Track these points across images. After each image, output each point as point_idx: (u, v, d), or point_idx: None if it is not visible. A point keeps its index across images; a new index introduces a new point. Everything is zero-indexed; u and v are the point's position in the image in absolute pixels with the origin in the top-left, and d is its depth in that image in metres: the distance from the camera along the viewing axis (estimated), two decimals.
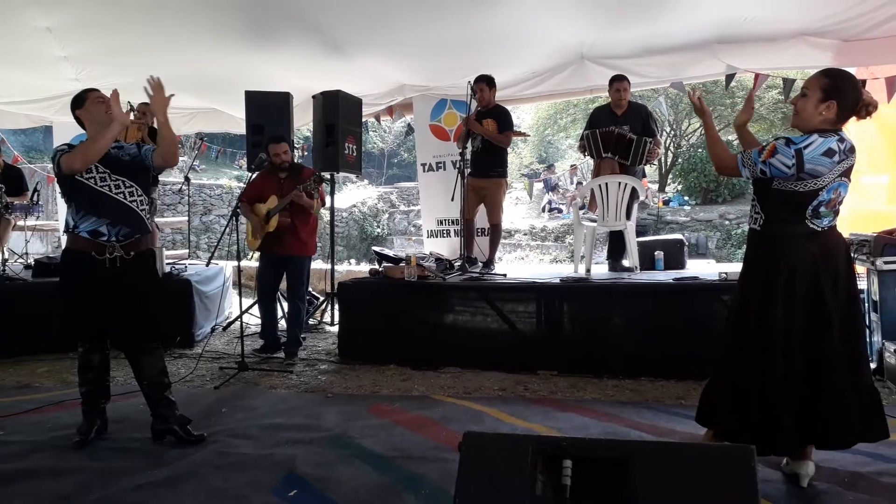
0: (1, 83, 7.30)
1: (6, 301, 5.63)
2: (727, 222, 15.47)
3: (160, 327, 3.70)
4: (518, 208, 19.52)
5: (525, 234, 16.78)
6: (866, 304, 4.94)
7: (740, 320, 2.84)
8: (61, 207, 8.88)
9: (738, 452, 1.93)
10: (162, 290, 3.86)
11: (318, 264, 11.10)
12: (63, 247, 3.62)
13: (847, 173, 2.66)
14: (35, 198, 7.11)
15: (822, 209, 2.65)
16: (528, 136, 19.75)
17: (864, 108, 2.66)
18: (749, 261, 2.89)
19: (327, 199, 6.24)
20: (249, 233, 5.44)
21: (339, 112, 6.46)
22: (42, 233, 10.56)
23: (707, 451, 2.05)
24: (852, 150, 2.64)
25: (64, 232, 3.55)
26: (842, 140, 2.61)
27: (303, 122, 7.88)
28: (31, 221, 7.37)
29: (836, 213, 2.71)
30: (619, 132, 5.68)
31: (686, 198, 17.92)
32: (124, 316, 3.44)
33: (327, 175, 6.99)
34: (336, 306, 6.43)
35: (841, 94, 2.61)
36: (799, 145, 2.57)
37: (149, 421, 3.57)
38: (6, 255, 6.79)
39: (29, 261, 7.13)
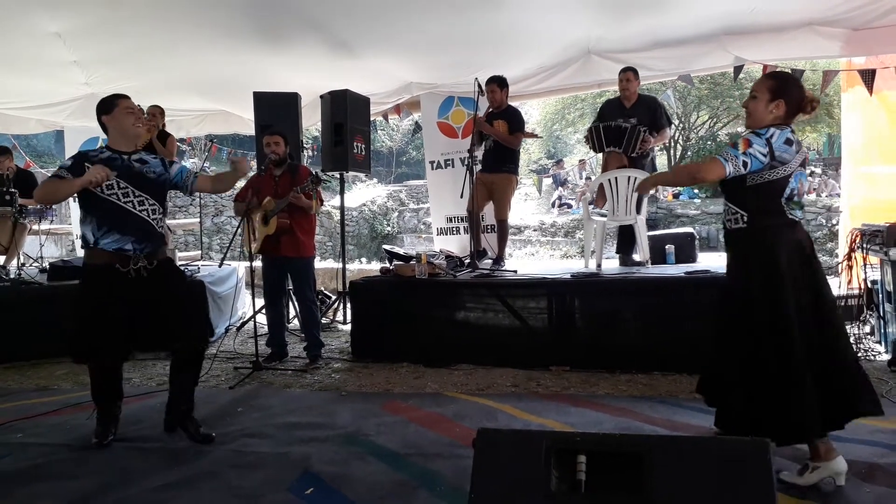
0: (12, 88, 7.37)
1: (23, 305, 5.68)
2: None
3: (204, 323, 3.69)
4: (527, 204, 19.47)
5: (535, 230, 16.74)
6: (880, 295, 4.91)
7: (751, 319, 2.83)
8: (74, 211, 8.94)
9: (753, 446, 1.93)
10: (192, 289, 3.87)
11: (328, 263, 11.16)
12: (83, 261, 3.50)
13: (804, 164, 2.86)
14: None
15: (794, 198, 2.83)
16: (540, 136, 19.74)
17: (808, 103, 2.87)
18: (741, 259, 2.94)
19: (325, 199, 6.13)
20: (247, 234, 5.14)
21: (347, 111, 6.48)
22: (56, 236, 10.66)
23: (722, 445, 2.05)
24: (801, 143, 2.86)
25: (82, 247, 3.47)
26: (793, 132, 2.81)
27: (311, 122, 7.90)
28: (45, 225, 7.44)
29: (802, 207, 2.90)
30: (615, 126, 5.66)
31: (696, 191, 17.82)
32: (159, 320, 3.38)
33: (335, 174, 7.03)
34: (348, 305, 6.46)
35: (787, 93, 2.82)
36: (765, 135, 2.76)
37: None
38: (22, 260, 6.86)
39: (44, 264, 7.20)
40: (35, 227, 7.23)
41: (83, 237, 3.39)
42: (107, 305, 3.29)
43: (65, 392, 4.63)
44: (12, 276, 6.31)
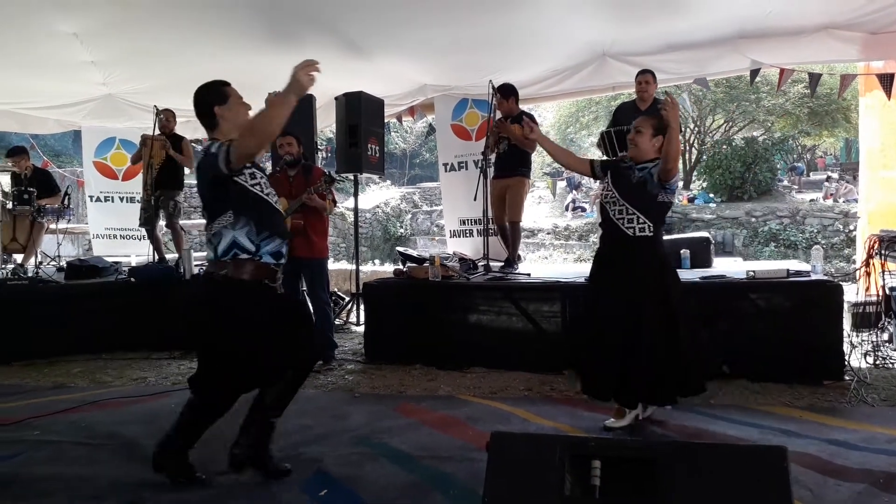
0: (30, 89, 7.44)
1: (40, 303, 5.74)
2: (753, 219, 15.29)
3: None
4: (541, 207, 19.46)
5: (548, 234, 16.72)
6: None
7: (661, 312, 3.36)
8: (91, 211, 9.02)
9: (769, 453, 1.92)
10: None
11: (342, 265, 11.18)
12: (229, 276, 2.83)
13: None
14: (66, 201, 7.25)
15: None
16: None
17: None
18: (645, 263, 3.42)
19: (340, 200, 6.15)
20: None
21: (361, 113, 6.50)
22: (73, 236, 10.75)
23: (737, 452, 2.04)
24: None
25: (229, 259, 2.83)
26: None
27: (326, 124, 7.93)
28: (62, 225, 7.51)
29: None
30: (628, 130, 5.63)
31: (711, 195, 17.73)
32: (301, 339, 3.00)
33: (349, 176, 7.05)
34: (361, 306, 6.47)
35: (664, 131, 3.35)
36: None
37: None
38: (39, 258, 6.93)
39: (61, 263, 7.27)
40: (52, 226, 7.30)
41: (237, 245, 2.81)
42: (274, 325, 2.86)
43: (81, 390, 4.67)
44: (30, 274, 6.38)
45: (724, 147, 18.25)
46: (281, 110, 2.72)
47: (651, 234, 3.41)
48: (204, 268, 2.92)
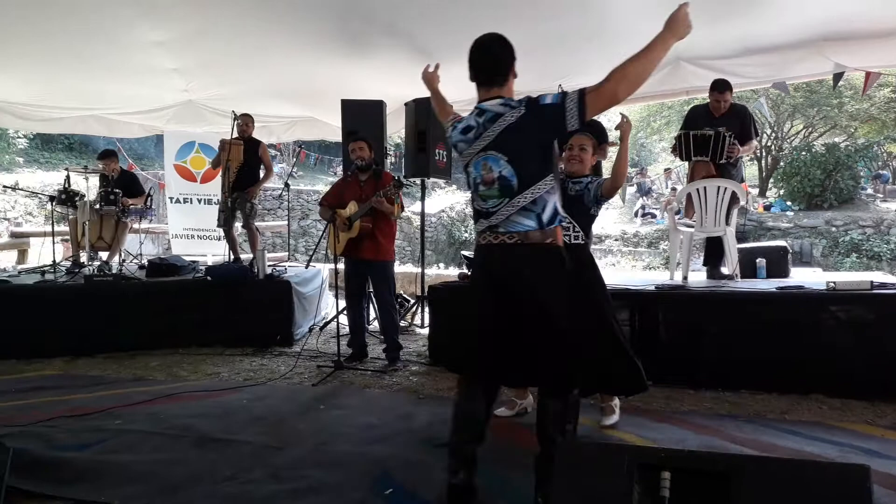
0: (118, 95, 7.82)
1: (123, 299, 6.01)
2: (834, 229, 14.64)
3: None
4: (609, 213, 19.15)
5: (616, 240, 16.46)
6: None
7: (600, 306, 3.50)
8: (171, 211, 9.41)
9: (851, 471, 1.84)
10: None
11: (407, 268, 11.31)
12: (545, 243, 2.58)
13: None
14: (149, 202, 7.59)
15: None
16: (617, 144, 19.47)
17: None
18: (582, 266, 3.49)
19: (406, 205, 6.25)
20: (332, 237, 5.36)
21: (430, 118, 6.56)
22: (154, 235, 11.23)
23: (816, 469, 1.95)
24: None
25: (558, 225, 2.62)
26: None
27: (395, 130, 8.03)
28: (144, 224, 7.87)
29: None
30: (701, 134, 5.47)
31: (789, 203, 17.08)
32: None
33: (416, 181, 7.12)
34: (426, 309, 6.52)
35: (598, 151, 3.96)
36: None
37: (253, 415, 3.69)
38: (122, 256, 7.27)
39: (143, 261, 7.61)
40: (136, 225, 7.66)
41: (557, 212, 2.61)
42: None
43: (159, 383, 4.87)
44: (114, 271, 6.71)
45: (803, 153, 17.56)
46: (660, 55, 2.52)
47: (584, 241, 3.65)
48: (512, 240, 2.54)
